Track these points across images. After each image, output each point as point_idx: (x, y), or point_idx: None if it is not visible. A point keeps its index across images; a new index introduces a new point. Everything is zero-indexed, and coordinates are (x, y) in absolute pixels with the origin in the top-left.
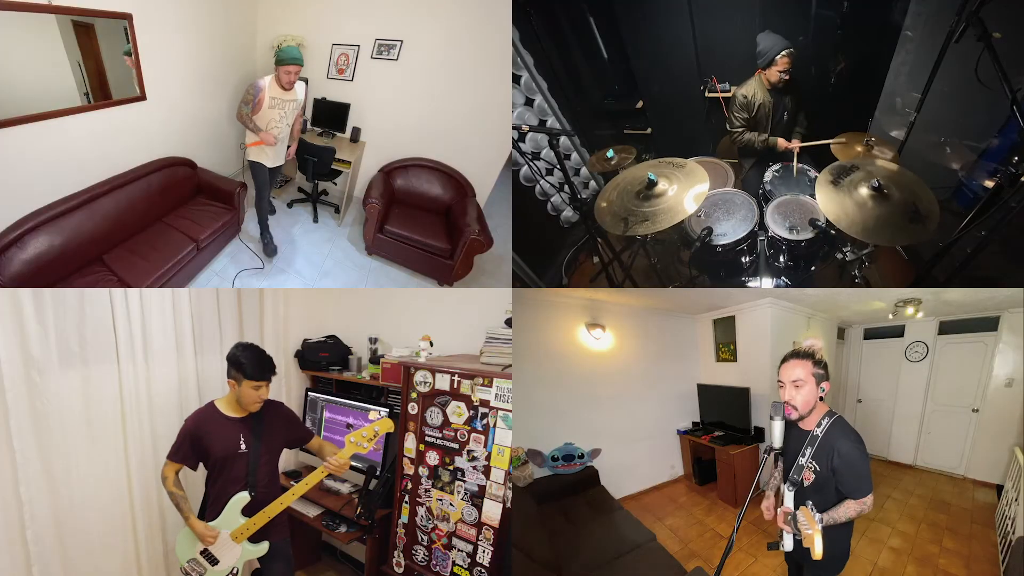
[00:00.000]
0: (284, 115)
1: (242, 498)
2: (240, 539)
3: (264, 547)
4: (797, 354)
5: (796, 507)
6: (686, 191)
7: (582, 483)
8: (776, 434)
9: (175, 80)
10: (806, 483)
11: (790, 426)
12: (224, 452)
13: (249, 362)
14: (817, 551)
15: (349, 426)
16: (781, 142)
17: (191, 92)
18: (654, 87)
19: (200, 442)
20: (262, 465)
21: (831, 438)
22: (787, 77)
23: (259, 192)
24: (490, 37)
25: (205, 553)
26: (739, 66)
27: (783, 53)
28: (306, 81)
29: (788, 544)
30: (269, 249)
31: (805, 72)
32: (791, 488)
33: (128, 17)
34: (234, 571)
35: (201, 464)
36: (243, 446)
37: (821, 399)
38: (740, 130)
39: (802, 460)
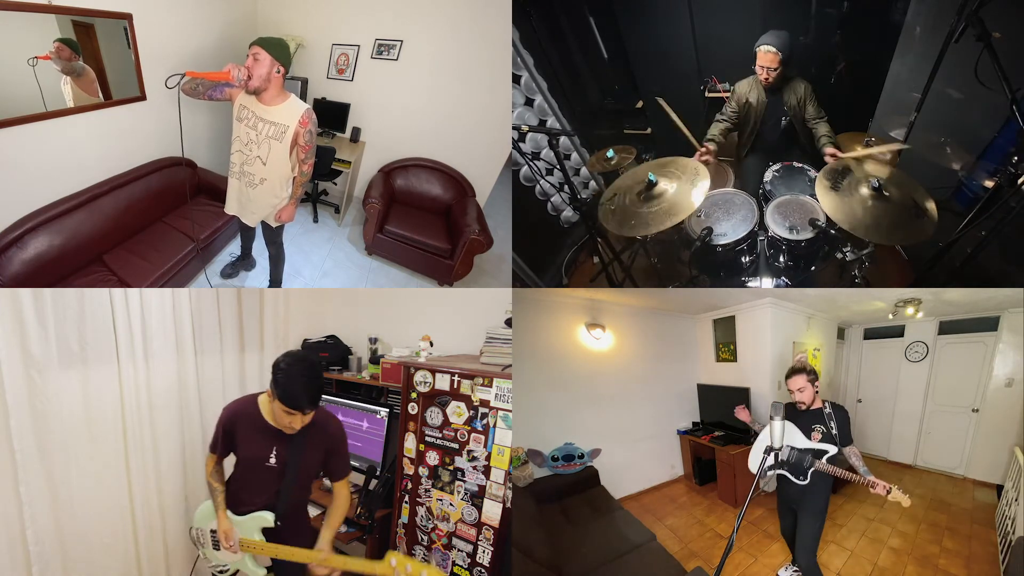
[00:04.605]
0: (255, 139)
1: (265, 519)
2: (246, 550)
3: (262, 573)
4: (795, 371)
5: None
6: (688, 189)
7: (582, 483)
8: (776, 434)
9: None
10: (813, 442)
11: (798, 413)
12: (249, 456)
13: (283, 383)
14: (908, 502)
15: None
16: (701, 150)
17: None
18: (654, 87)
19: (231, 436)
20: (294, 490)
21: (836, 413)
22: (765, 74)
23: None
24: (490, 37)
25: (215, 534)
26: (739, 66)
27: (761, 47)
28: (304, 82)
29: (809, 479)
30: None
31: (805, 72)
32: (838, 447)
33: (128, 17)
34: (225, 567)
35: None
36: (272, 459)
37: (817, 392)
38: (722, 117)
39: (826, 429)
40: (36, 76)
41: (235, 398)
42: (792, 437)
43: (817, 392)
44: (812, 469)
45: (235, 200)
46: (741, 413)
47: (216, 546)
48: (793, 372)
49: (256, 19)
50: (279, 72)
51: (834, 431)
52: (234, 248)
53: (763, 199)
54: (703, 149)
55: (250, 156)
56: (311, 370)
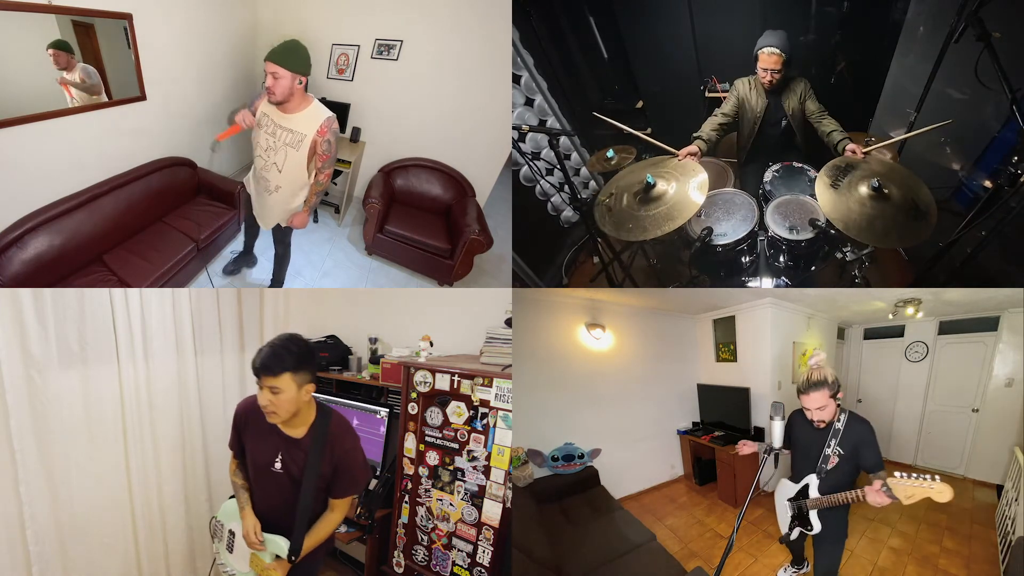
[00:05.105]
0: (273, 146)
1: (280, 547)
2: (253, 567)
3: None
4: (814, 386)
5: (823, 493)
6: (686, 186)
7: (582, 483)
8: (776, 434)
9: (175, 80)
10: (829, 467)
11: (802, 424)
12: (255, 459)
13: (259, 351)
14: (949, 494)
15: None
16: (683, 151)
17: (191, 92)
18: (654, 87)
19: (240, 435)
20: (312, 507)
21: (851, 428)
22: (768, 76)
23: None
24: (490, 37)
25: (232, 535)
26: (739, 66)
27: (764, 49)
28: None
29: (817, 525)
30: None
31: (806, 72)
32: (819, 477)
33: (128, 17)
34: (232, 573)
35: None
36: (278, 465)
37: (838, 404)
38: (717, 114)
39: (828, 450)
40: (53, 78)
41: (235, 398)
42: (783, 490)
43: (839, 405)
44: (814, 511)
45: (255, 204)
46: (745, 448)
47: (230, 548)
48: (811, 386)
49: (256, 18)
50: (300, 83)
51: (829, 450)
52: (235, 245)
53: (763, 199)
54: (685, 151)
55: (268, 162)
56: (286, 339)
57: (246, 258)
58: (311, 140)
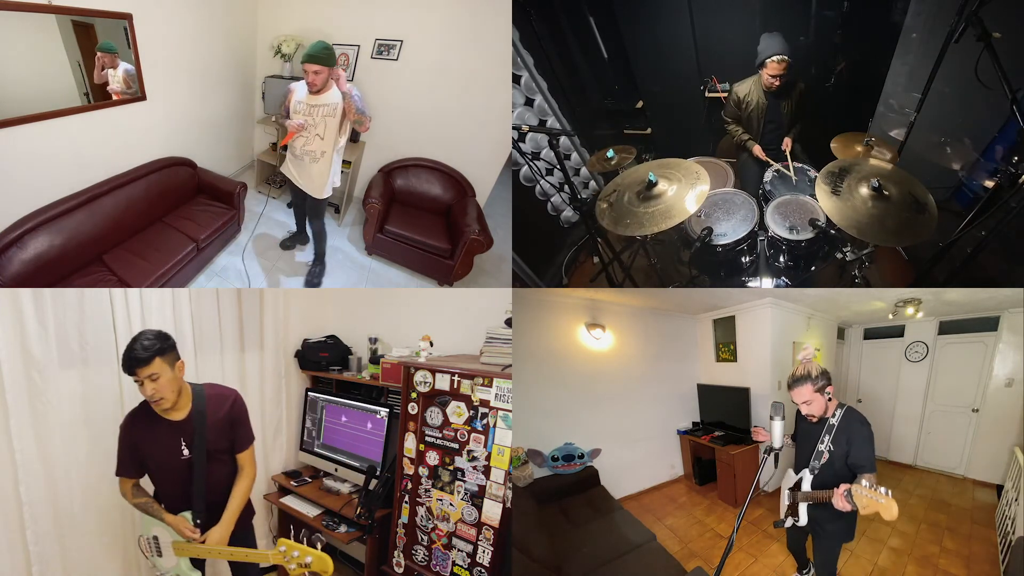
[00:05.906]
0: (313, 123)
1: (185, 519)
2: (180, 553)
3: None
4: (797, 381)
5: (815, 488)
6: (686, 191)
7: (582, 483)
8: (776, 434)
9: (175, 80)
10: (822, 462)
11: (802, 418)
12: (164, 460)
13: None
14: (894, 512)
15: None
16: (757, 149)
17: (191, 92)
18: (654, 87)
19: (137, 449)
20: (210, 479)
21: (846, 424)
22: (777, 82)
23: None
24: (490, 37)
25: (156, 539)
26: (739, 66)
27: (773, 57)
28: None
29: (803, 519)
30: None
31: (805, 72)
32: (812, 473)
33: (128, 17)
34: (167, 573)
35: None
36: (185, 451)
37: (830, 399)
38: (729, 121)
39: (821, 447)
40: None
41: None
42: (788, 477)
43: (831, 398)
44: (803, 504)
45: (300, 179)
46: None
47: (160, 553)
48: (794, 381)
49: (256, 18)
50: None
51: (822, 446)
52: (236, 244)
53: (763, 199)
54: (758, 149)
55: (310, 136)
56: (140, 335)
57: (300, 236)
58: (342, 106)
